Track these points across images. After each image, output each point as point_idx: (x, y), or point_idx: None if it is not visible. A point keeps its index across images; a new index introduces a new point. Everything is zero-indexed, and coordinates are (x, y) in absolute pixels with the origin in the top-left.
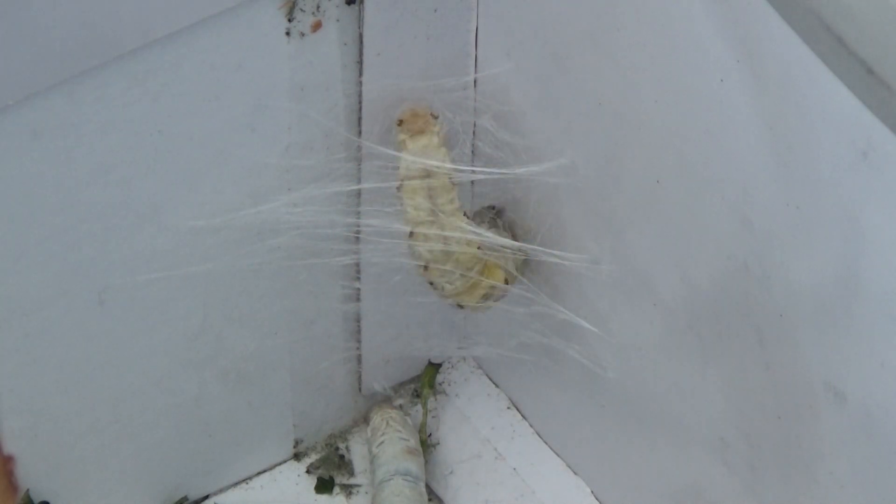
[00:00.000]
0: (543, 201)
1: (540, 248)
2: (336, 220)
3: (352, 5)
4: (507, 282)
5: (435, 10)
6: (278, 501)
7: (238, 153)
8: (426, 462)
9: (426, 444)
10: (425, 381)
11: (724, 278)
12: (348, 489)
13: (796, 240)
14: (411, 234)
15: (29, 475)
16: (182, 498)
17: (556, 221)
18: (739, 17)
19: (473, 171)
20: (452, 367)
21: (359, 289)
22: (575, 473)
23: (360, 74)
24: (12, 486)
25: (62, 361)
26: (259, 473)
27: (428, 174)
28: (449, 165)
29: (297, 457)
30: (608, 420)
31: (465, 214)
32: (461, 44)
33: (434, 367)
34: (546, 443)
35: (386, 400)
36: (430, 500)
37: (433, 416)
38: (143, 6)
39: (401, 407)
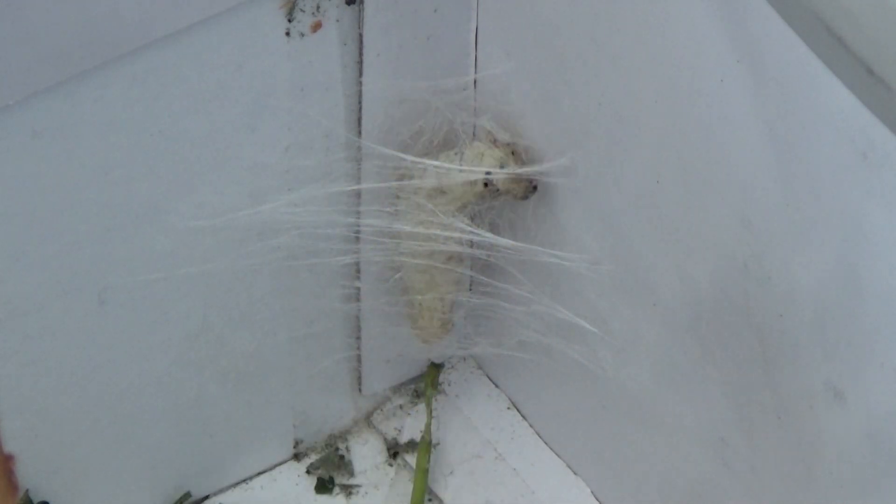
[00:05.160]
0: (543, 201)
1: (540, 248)
2: (336, 220)
3: (352, 5)
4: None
5: (435, 10)
6: (278, 501)
7: (238, 153)
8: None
9: (430, 445)
10: (428, 382)
11: (724, 278)
12: (348, 489)
13: (796, 240)
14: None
15: (29, 475)
16: (185, 494)
17: (556, 221)
18: (739, 17)
19: (473, 172)
20: (452, 367)
21: (359, 288)
22: (575, 473)
23: (360, 74)
24: (12, 485)
25: (62, 361)
26: (259, 473)
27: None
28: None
29: (297, 457)
30: (608, 420)
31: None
32: (461, 44)
33: (436, 368)
34: (546, 443)
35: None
36: (430, 500)
37: (433, 417)
38: (143, 6)
39: (401, 407)
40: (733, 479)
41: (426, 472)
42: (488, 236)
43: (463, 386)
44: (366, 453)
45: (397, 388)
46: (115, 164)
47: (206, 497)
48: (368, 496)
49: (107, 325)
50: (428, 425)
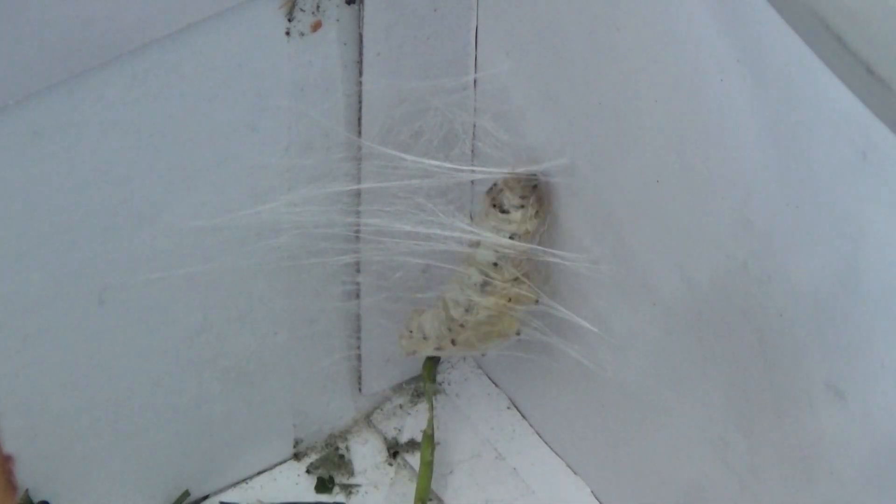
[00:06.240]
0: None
1: (540, 248)
2: (336, 219)
3: (352, 5)
4: (518, 333)
5: (435, 10)
6: (278, 501)
7: (238, 153)
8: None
9: (433, 438)
10: (426, 376)
11: (724, 278)
12: (348, 489)
13: (796, 240)
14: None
15: (29, 475)
16: (184, 493)
17: (556, 221)
18: (739, 17)
19: (473, 171)
20: (452, 367)
21: (359, 288)
22: (575, 473)
23: (360, 74)
24: (12, 485)
25: (62, 361)
26: (259, 473)
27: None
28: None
29: (297, 457)
30: (608, 420)
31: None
32: (461, 44)
33: (433, 360)
34: (546, 443)
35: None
36: (430, 500)
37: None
38: (143, 6)
39: (401, 407)
40: (733, 479)
41: (430, 465)
42: (488, 236)
43: (463, 386)
44: (366, 453)
45: (397, 388)
46: (115, 164)
47: (206, 497)
48: (368, 496)
49: (107, 325)
50: (430, 419)
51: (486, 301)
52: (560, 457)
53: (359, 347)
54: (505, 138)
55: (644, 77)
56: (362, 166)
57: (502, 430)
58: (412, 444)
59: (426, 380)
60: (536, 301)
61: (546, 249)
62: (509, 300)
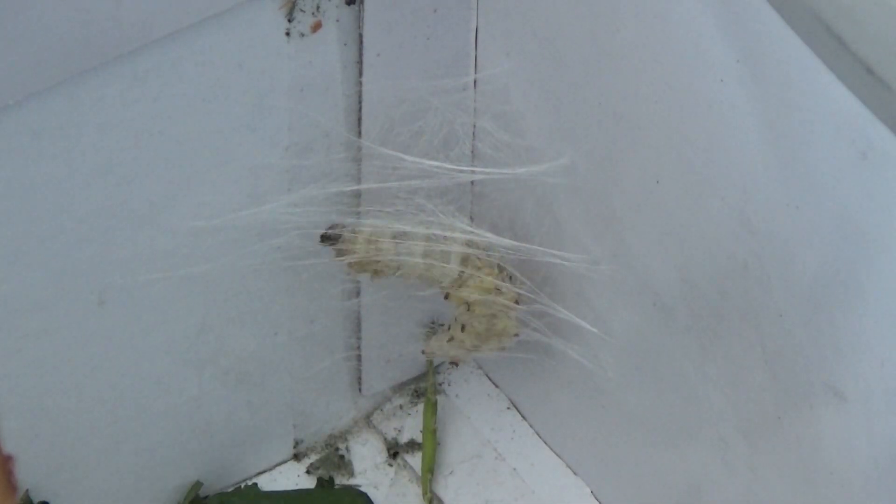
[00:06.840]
0: (543, 201)
1: (540, 248)
2: (336, 220)
3: (352, 5)
4: (516, 334)
5: (435, 10)
6: None
7: (238, 153)
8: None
9: (436, 406)
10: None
11: (724, 278)
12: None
13: (796, 240)
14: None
15: (29, 475)
16: (196, 483)
17: (555, 221)
18: (739, 17)
19: (473, 172)
20: (453, 367)
21: (358, 288)
22: (575, 473)
23: (360, 74)
24: (12, 485)
25: (62, 361)
26: (259, 473)
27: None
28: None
29: (297, 457)
30: (608, 420)
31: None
32: (461, 44)
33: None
34: (546, 443)
35: None
36: (430, 500)
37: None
38: (143, 6)
39: (401, 407)
40: (733, 479)
41: (434, 433)
42: (488, 236)
43: (463, 386)
44: (366, 453)
45: (397, 388)
46: (115, 164)
47: (206, 497)
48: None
49: (107, 325)
50: (432, 384)
51: (461, 293)
52: (560, 457)
53: (359, 347)
54: (505, 138)
55: (644, 77)
56: (362, 167)
57: (502, 430)
58: (412, 445)
59: (429, 366)
60: (517, 301)
61: (546, 249)
62: (488, 292)
